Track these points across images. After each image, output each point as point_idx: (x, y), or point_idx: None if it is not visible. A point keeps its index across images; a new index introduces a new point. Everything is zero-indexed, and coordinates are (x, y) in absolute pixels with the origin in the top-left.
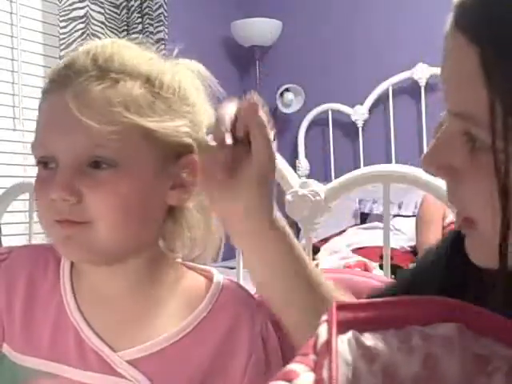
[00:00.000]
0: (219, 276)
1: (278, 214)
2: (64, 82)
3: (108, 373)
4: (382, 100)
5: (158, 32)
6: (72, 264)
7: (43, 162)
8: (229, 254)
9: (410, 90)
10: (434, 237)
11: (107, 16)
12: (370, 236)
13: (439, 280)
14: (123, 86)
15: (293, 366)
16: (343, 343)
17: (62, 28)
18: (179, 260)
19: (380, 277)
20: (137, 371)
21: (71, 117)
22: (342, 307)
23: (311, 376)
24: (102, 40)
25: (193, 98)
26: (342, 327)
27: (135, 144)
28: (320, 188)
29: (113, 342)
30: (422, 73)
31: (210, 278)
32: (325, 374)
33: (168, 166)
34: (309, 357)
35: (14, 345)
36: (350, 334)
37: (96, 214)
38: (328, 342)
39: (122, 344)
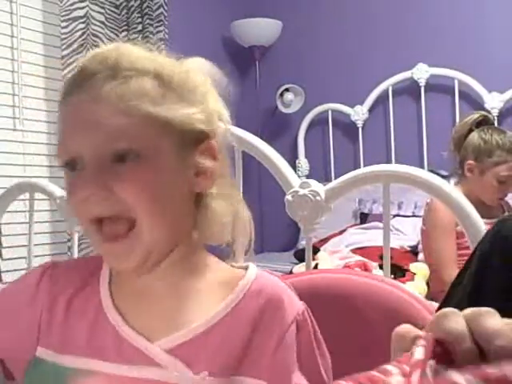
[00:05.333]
0: (254, 267)
1: None
2: (79, 85)
3: (145, 364)
4: (381, 100)
5: (158, 32)
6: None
7: (70, 165)
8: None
9: (409, 90)
10: (451, 242)
11: (107, 16)
12: (370, 236)
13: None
14: (135, 82)
15: (388, 367)
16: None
17: (62, 28)
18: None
19: (380, 277)
20: (174, 359)
21: (89, 115)
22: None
23: (402, 381)
24: (107, 45)
25: (202, 90)
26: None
27: (153, 134)
28: (320, 188)
29: (149, 334)
30: (422, 73)
31: (244, 268)
32: (414, 379)
33: (188, 154)
34: (403, 365)
35: (51, 345)
36: (432, 362)
37: (128, 205)
38: (423, 361)
39: (159, 335)
